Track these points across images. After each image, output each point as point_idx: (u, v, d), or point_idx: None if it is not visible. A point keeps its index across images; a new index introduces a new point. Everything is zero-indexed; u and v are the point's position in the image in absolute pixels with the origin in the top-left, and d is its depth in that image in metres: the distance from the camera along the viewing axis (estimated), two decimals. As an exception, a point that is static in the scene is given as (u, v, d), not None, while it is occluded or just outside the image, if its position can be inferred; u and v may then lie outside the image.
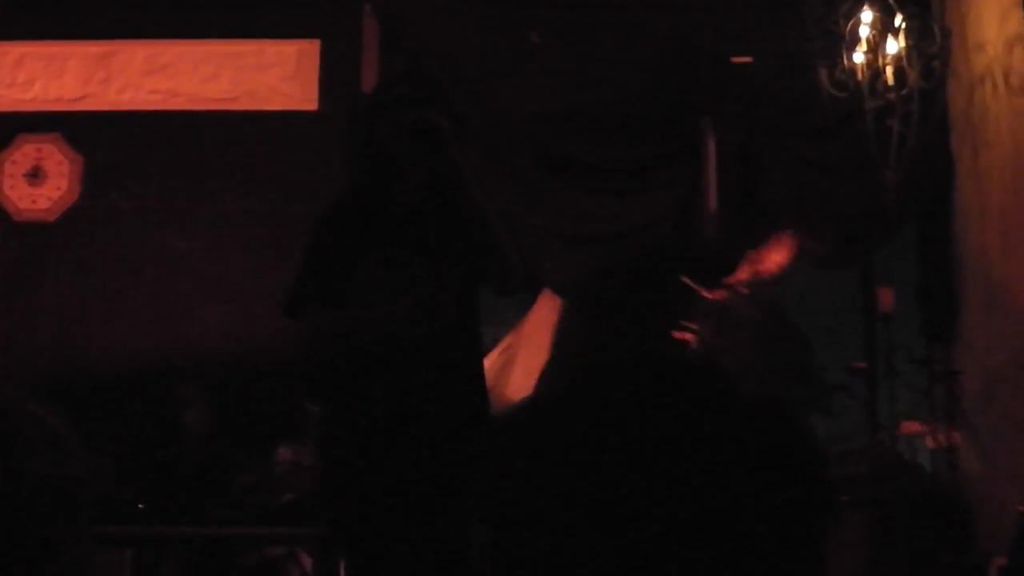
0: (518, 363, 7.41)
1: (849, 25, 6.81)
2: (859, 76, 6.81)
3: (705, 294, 5.38)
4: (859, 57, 6.80)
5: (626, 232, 7.56)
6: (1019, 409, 6.33)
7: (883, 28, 6.79)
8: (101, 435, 6.75)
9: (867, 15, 6.80)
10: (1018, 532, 1.93)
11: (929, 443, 6.13)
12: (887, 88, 6.79)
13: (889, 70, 6.79)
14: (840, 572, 6.41)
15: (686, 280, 5.36)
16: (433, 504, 4.20)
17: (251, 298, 7.15)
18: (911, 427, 6.08)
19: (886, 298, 7.10)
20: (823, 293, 8.55)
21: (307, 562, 5.28)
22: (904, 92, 6.81)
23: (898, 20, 6.78)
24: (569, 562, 1.30)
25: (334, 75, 7.68)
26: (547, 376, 5.53)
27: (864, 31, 6.80)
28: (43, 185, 7.55)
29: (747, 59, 7.68)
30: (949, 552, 6.70)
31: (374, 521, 4.25)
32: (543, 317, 7.66)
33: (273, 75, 7.74)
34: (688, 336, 5.36)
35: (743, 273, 5.31)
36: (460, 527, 4.20)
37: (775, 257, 5.31)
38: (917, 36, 6.84)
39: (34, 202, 7.56)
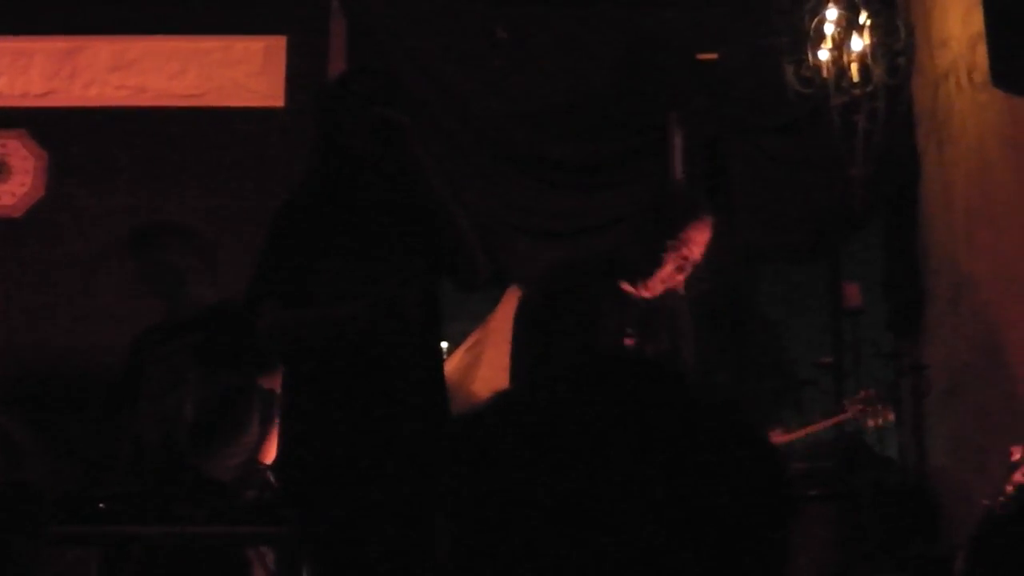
0: (484, 360, 7.40)
1: (814, 22, 6.84)
2: (825, 73, 6.84)
3: (643, 294, 5.35)
4: (824, 54, 6.83)
5: (594, 227, 7.57)
6: (985, 402, 6.36)
7: (848, 25, 6.81)
8: (67, 435, 6.75)
9: (832, 12, 6.82)
10: (980, 526, 1.94)
11: (869, 423, 6.15)
12: (853, 84, 6.82)
13: (854, 67, 6.81)
14: (808, 565, 6.43)
15: (624, 286, 5.33)
16: (395, 502, 4.21)
17: (219, 294, 7.13)
18: (855, 403, 6.11)
19: (852, 293, 7.11)
20: (791, 288, 8.58)
21: (271, 561, 5.26)
22: (869, 88, 6.84)
23: (863, 17, 6.80)
24: (530, 560, 1.31)
25: (301, 71, 7.66)
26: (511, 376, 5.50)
27: (829, 28, 6.83)
28: (8, 181, 7.52)
29: (713, 55, 7.70)
30: (917, 545, 6.73)
31: (336, 519, 4.25)
32: (510, 313, 7.65)
33: (240, 71, 7.72)
34: (630, 341, 5.33)
35: (670, 263, 5.26)
36: (422, 525, 4.21)
37: (698, 239, 5.26)
38: (882, 33, 6.87)
39: (-1, 198, 7.54)
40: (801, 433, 6.02)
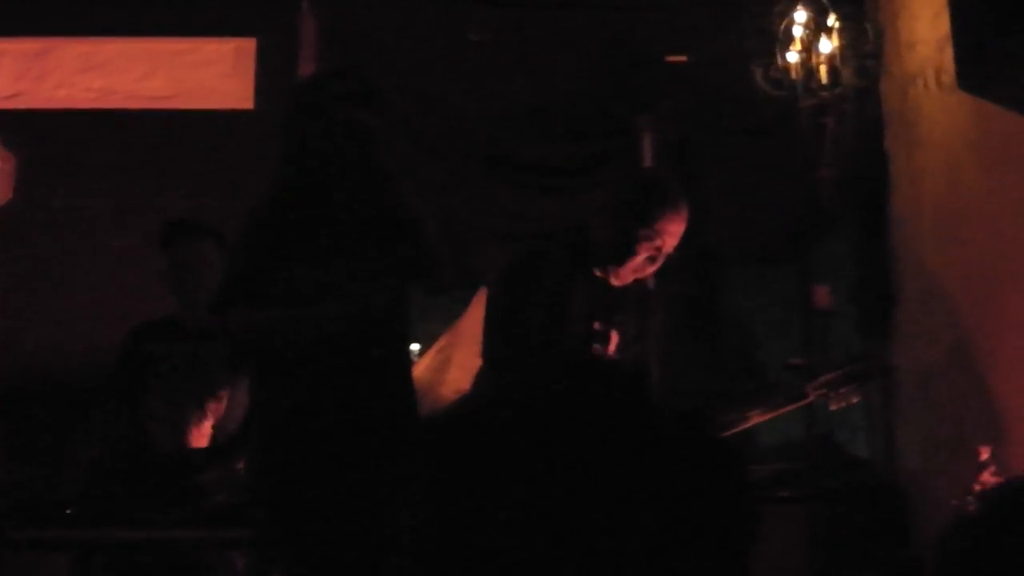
0: (454, 362, 7.39)
1: (783, 24, 6.85)
2: (794, 75, 6.85)
3: (614, 282, 5.33)
4: (793, 56, 6.84)
5: (564, 230, 7.58)
6: (954, 404, 6.37)
7: (817, 27, 6.83)
8: (38, 439, 6.72)
9: (801, 15, 6.84)
10: (950, 527, 1.95)
11: (832, 406, 6.12)
12: (821, 86, 6.83)
13: (823, 69, 6.83)
14: (779, 566, 6.44)
15: (596, 271, 5.31)
16: (364, 504, 4.21)
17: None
18: (817, 386, 6.09)
19: (822, 295, 7.13)
20: (761, 290, 8.59)
21: (240, 565, 5.25)
22: (838, 91, 6.85)
23: (831, 19, 6.82)
24: (495, 560, 1.31)
25: (271, 73, 7.65)
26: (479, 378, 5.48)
27: (798, 31, 6.84)
28: (-24, 183, 7.50)
29: (683, 58, 7.71)
30: (888, 545, 6.75)
31: (306, 521, 4.25)
32: (480, 316, 7.64)
33: (210, 73, 7.70)
34: (597, 326, 5.32)
35: (642, 252, 5.24)
36: (391, 526, 4.20)
37: (671, 229, 5.24)
38: (850, 35, 6.89)
39: (-34, 201, 7.51)
40: (763, 417, 5.95)
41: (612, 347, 5.32)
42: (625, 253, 5.25)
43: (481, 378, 5.33)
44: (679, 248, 5.38)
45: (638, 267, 5.29)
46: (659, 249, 5.25)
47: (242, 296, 4.37)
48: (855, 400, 5.93)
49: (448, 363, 7.42)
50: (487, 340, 5.36)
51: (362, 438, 4.25)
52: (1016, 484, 2.19)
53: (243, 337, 4.43)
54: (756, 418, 5.83)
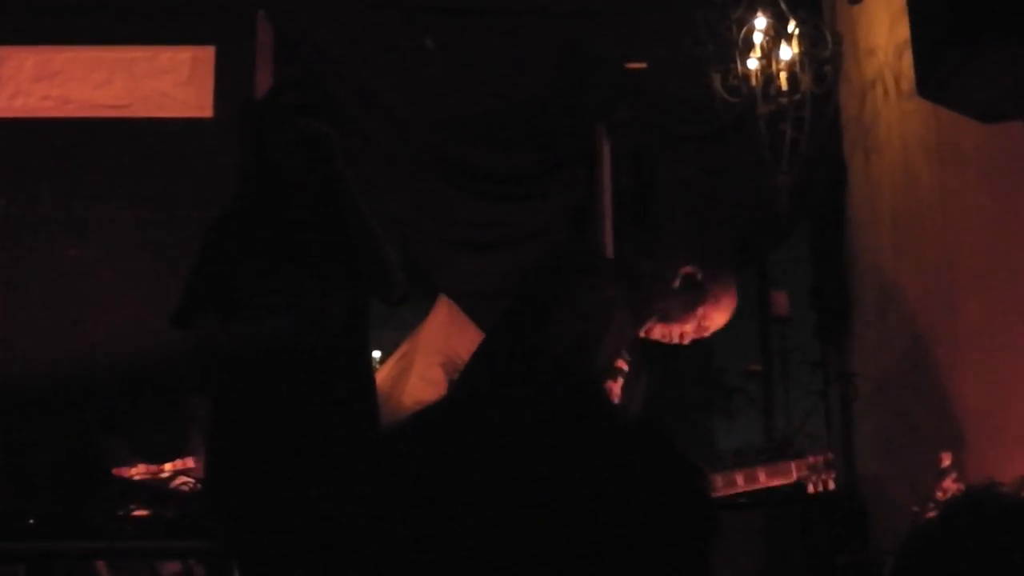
0: (414, 371, 7.39)
1: (743, 31, 6.86)
2: (752, 81, 6.86)
3: (641, 332, 5.20)
4: (753, 63, 6.86)
5: (522, 237, 7.58)
6: (912, 409, 6.40)
7: (776, 34, 6.84)
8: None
9: (760, 21, 6.85)
10: (907, 536, 1.95)
11: (809, 488, 6.04)
12: (780, 93, 6.85)
13: (783, 75, 6.84)
14: (738, 572, 6.46)
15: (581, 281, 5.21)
16: (322, 513, 4.19)
17: (146, 306, 7.07)
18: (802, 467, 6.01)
19: (780, 301, 7.16)
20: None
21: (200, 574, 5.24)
22: (797, 97, 6.87)
23: (791, 26, 6.84)
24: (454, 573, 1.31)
25: (229, 82, 7.62)
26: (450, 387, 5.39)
27: (758, 37, 6.86)
28: (-69, 192, 7.45)
29: (642, 65, 7.72)
30: (846, 551, 6.77)
31: (263, 532, 4.24)
32: (439, 324, 7.65)
33: (167, 81, 7.67)
34: (626, 366, 5.24)
35: (690, 324, 5.09)
36: (349, 536, 4.19)
37: (721, 319, 5.11)
38: (809, 42, 6.91)
39: (-77, 209, 7.46)
40: (738, 489, 5.85)
41: (619, 387, 5.21)
42: (679, 319, 5.10)
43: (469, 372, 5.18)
44: (635, 254, 5.32)
45: (672, 335, 5.16)
46: (703, 330, 5.13)
47: (203, 306, 4.36)
48: (832, 487, 5.87)
49: (408, 371, 7.42)
50: (493, 354, 5.21)
51: (322, 447, 4.24)
52: (974, 493, 2.19)
53: (205, 347, 4.42)
54: (739, 488, 5.76)
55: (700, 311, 5.01)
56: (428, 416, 1.44)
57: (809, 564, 6.68)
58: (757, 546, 6.75)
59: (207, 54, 7.70)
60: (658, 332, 5.11)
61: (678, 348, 5.26)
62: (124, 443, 5.71)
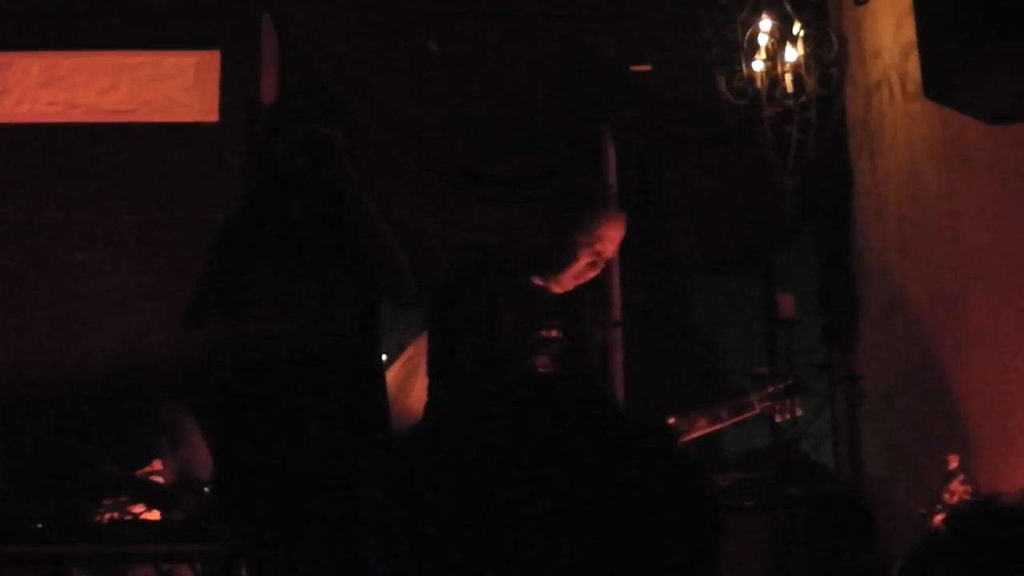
0: (420, 374, 7.38)
1: (748, 33, 6.86)
2: (758, 84, 6.86)
3: (556, 288, 5.30)
4: (758, 65, 6.85)
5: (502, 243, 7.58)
6: (918, 411, 6.39)
7: (781, 36, 6.84)
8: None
9: (765, 23, 6.85)
10: (920, 546, 1.94)
11: (777, 418, 6.02)
12: (785, 95, 6.84)
13: (788, 77, 6.84)
14: (745, 575, 6.45)
15: (536, 279, 5.29)
16: (330, 518, 4.20)
17: (151, 310, 7.08)
18: (762, 398, 5.98)
19: (786, 303, 7.13)
20: (725, 299, 8.61)
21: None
22: (802, 99, 6.87)
23: (796, 28, 6.83)
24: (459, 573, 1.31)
25: (234, 86, 7.62)
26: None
27: (763, 39, 6.85)
28: (-62, 198, 7.46)
29: (646, 67, 7.71)
30: (852, 554, 6.76)
31: (272, 534, 4.24)
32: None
33: (172, 86, 7.67)
34: (554, 334, 5.30)
35: (582, 259, 5.23)
36: (357, 541, 4.19)
37: (611, 234, 5.23)
38: (815, 44, 6.91)
39: (-70, 214, 7.46)
40: (710, 429, 5.84)
41: (557, 358, 5.30)
42: (565, 260, 5.23)
43: (430, 392, 5.29)
44: (641, 257, 5.38)
45: (579, 273, 5.29)
46: (599, 254, 5.24)
47: (213, 309, 4.36)
48: (799, 412, 5.87)
49: (414, 374, 7.40)
50: (428, 355, 5.34)
51: (333, 451, 4.24)
52: (986, 504, 2.19)
53: (215, 350, 4.42)
54: (703, 429, 5.74)
55: (580, 240, 5.17)
56: (433, 421, 1.44)
57: (815, 567, 6.67)
58: (763, 549, 6.74)
59: (212, 59, 7.70)
60: (567, 280, 5.28)
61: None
62: (98, 451, 5.71)
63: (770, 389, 5.82)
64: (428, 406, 5.19)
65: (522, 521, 1.29)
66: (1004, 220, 5.41)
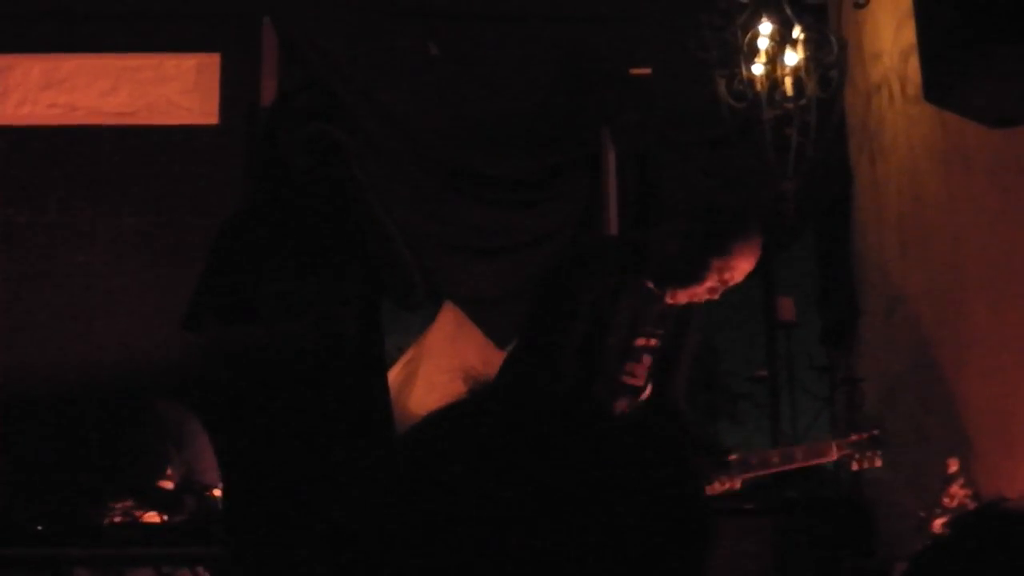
0: (420, 377, 7.39)
1: (748, 36, 6.86)
2: (758, 87, 6.86)
3: (668, 300, 5.17)
4: (758, 68, 6.85)
5: (527, 243, 7.58)
6: (919, 414, 6.39)
7: (781, 39, 6.84)
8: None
9: (765, 26, 6.85)
10: (922, 552, 1.93)
11: (854, 466, 5.89)
12: (785, 98, 6.83)
13: (788, 80, 6.83)
14: (744, 578, 6.46)
15: (650, 284, 5.17)
16: (332, 521, 4.19)
17: (152, 312, 7.08)
18: (843, 445, 5.86)
19: (786, 306, 7.15)
20: (725, 302, 8.62)
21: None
22: (802, 102, 6.86)
23: (796, 31, 6.83)
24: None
25: (234, 89, 7.63)
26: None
27: (763, 43, 6.85)
28: (-61, 200, 7.46)
29: (646, 70, 7.72)
30: (853, 557, 6.76)
31: (276, 538, 4.23)
32: (445, 330, 7.65)
33: (172, 89, 7.68)
34: (653, 342, 5.22)
35: (710, 280, 5.08)
36: (359, 543, 4.19)
37: (743, 265, 5.08)
38: (815, 47, 6.90)
39: (-70, 217, 7.47)
40: (775, 470, 5.76)
41: (644, 367, 5.21)
42: (694, 278, 5.08)
43: (508, 365, 5.20)
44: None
45: (699, 294, 5.15)
46: (725, 282, 5.11)
47: (213, 311, 4.36)
48: (879, 464, 5.77)
49: (414, 377, 7.42)
50: (529, 322, 5.23)
51: (336, 454, 4.24)
52: (991, 508, 2.19)
53: (217, 352, 4.42)
54: (774, 468, 5.66)
55: (715, 264, 4.98)
56: (435, 421, 1.44)
57: (815, 569, 6.67)
58: (764, 551, 6.74)
59: (212, 61, 7.71)
60: (683, 296, 5.11)
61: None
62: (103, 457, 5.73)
63: (853, 437, 5.70)
64: (508, 366, 5.11)
65: (514, 522, 1.29)
66: (1004, 221, 5.42)
